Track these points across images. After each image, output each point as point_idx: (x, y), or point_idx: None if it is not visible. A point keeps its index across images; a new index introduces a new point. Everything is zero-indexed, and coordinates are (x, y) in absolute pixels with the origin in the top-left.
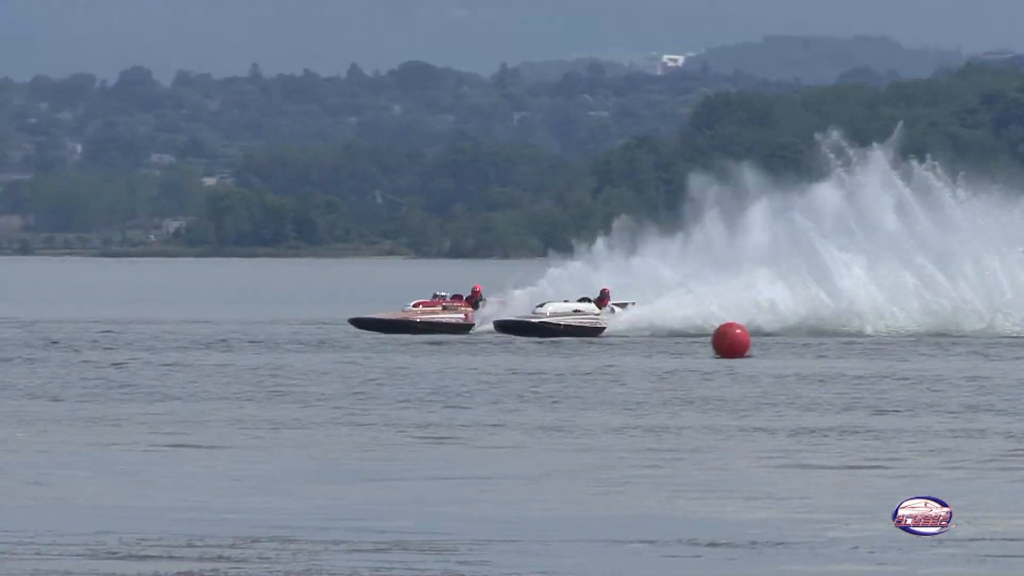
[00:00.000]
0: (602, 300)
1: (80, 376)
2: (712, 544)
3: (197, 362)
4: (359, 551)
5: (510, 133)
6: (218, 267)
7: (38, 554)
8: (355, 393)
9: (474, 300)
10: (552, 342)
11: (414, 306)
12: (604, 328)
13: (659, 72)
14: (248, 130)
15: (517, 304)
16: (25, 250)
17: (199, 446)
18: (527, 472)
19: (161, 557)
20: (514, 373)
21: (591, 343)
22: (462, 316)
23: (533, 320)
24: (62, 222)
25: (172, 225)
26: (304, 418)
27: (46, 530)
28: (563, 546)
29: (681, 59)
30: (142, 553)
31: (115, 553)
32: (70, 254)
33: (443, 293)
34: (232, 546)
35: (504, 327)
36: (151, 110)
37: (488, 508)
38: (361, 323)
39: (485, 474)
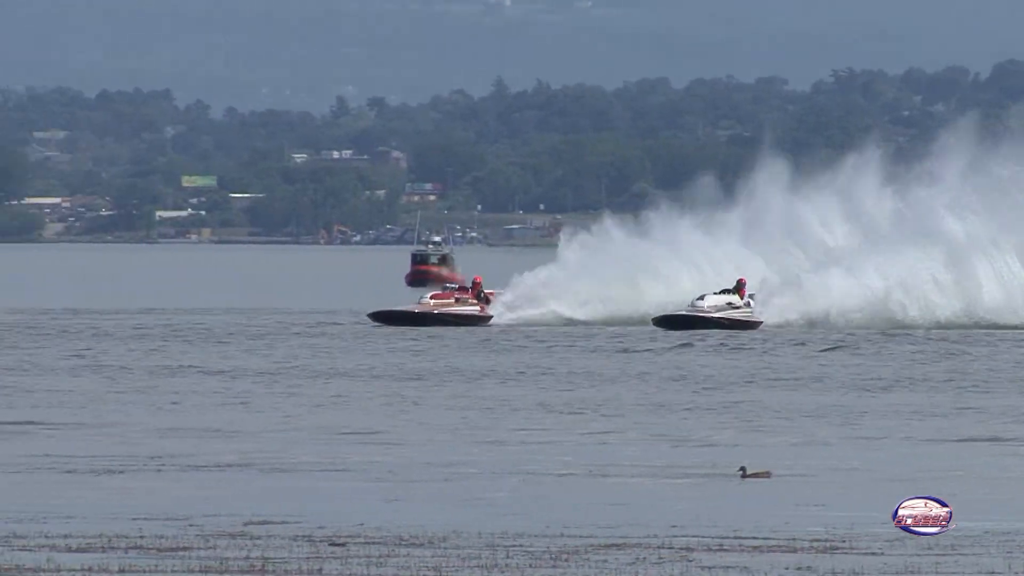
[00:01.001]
0: (739, 291)
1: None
2: None
3: None
4: None
5: None
6: None
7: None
8: None
9: (477, 292)
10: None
11: (431, 298)
12: (761, 323)
13: None
14: None
15: (522, 291)
16: None
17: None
18: None
19: None
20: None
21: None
22: (477, 308)
23: (700, 315)
24: None
25: None
26: None
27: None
28: None
29: None
30: None
31: None
32: None
33: (453, 285)
34: None
35: (666, 322)
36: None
37: None
38: (381, 316)
39: None
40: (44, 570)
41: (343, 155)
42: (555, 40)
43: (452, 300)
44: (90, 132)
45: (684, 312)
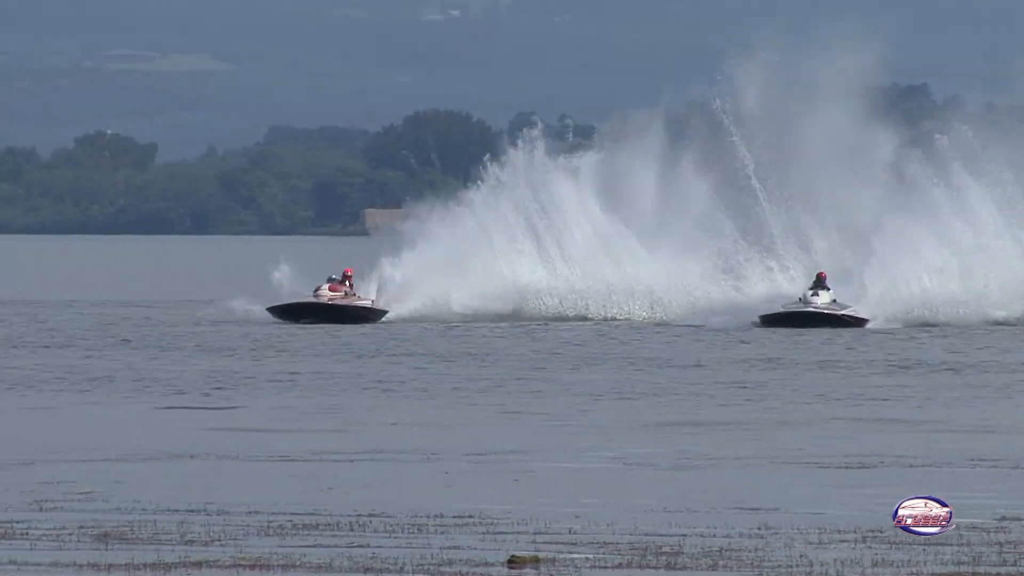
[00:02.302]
0: (821, 285)
1: None
2: None
3: None
4: None
5: None
6: None
7: None
8: None
9: (350, 284)
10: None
11: (329, 289)
12: (868, 320)
13: None
14: None
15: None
16: None
17: None
18: None
19: None
20: None
21: None
22: (369, 301)
23: (824, 312)
24: None
25: None
26: None
27: None
28: None
29: None
30: None
31: None
32: None
33: (336, 276)
34: None
35: (781, 320)
36: None
37: None
38: (284, 311)
39: None
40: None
41: None
42: None
43: (342, 293)
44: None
45: (808, 309)
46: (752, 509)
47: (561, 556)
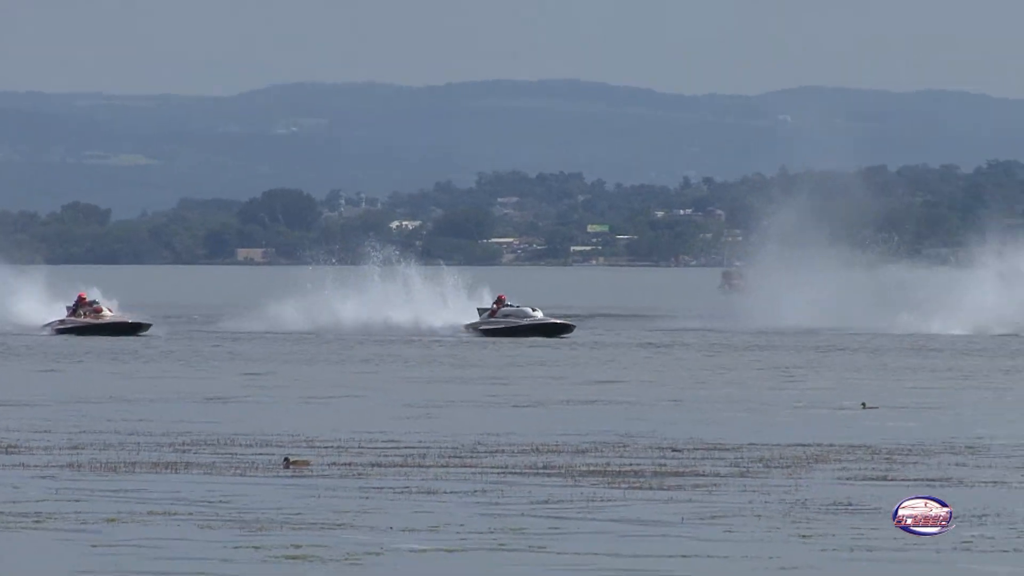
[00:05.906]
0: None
1: None
2: None
3: None
4: None
5: None
6: None
7: None
8: None
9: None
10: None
11: (107, 310)
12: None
13: None
14: None
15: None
16: None
17: None
18: None
19: None
20: None
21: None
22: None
23: (558, 322)
24: None
25: None
26: None
27: None
28: None
29: None
30: None
31: None
32: None
33: (96, 300)
34: None
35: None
36: None
37: None
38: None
39: None
40: None
41: (685, 212)
42: None
43: (110, 311)
44: (533, 199)
45: (547, 321)
46: None
47: (331, 459)
